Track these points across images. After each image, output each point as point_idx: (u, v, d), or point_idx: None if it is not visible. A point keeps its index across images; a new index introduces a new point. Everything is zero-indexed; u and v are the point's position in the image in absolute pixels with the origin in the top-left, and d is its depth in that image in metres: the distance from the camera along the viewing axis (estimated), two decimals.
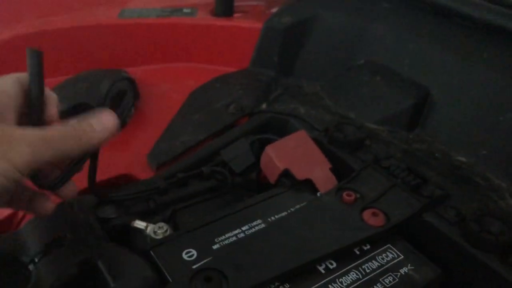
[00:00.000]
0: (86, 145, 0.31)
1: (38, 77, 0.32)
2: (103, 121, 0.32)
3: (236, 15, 0.68)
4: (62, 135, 0.30)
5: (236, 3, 0.68)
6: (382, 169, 0.46)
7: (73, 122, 0.31)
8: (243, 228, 0.41)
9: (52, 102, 0.34)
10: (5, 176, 0.27)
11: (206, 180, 0.49)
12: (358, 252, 0.39)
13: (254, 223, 0.42)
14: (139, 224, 0.41)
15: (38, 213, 0.36)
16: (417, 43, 0.56)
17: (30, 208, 0.35)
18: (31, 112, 0.33)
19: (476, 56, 0.52)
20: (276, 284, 0.36)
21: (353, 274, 0.37)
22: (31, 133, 0.29)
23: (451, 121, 0.52)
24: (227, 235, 0.40)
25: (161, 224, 0.41)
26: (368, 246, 0.40)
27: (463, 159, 0.49)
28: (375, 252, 0.39)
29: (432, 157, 0.50)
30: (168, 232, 0.41)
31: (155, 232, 0.40)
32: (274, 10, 0.68)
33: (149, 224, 0.41)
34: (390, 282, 0.37)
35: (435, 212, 0.42)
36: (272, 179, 0.48)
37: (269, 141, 0.50)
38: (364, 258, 0.39)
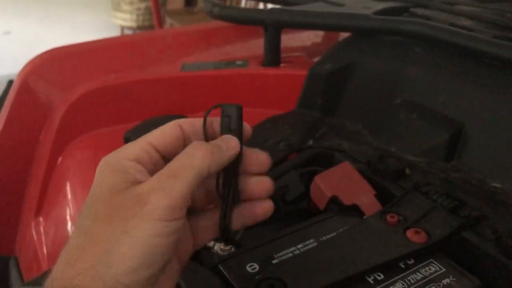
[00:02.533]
0: (225, 158, 0.34)
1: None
2: (234, 142, 0.35)
3: (282, 65, 0.76)
4: (216, 148, 0.34)
5: (282, 55, 0.77)
6: (422, 194, 0.51)
7: (217, 142, 0.35)
8: (298, 246, 0.46)
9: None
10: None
11: None
12: (403, 266, 0.43)
13: (308, 242, 0.47)
14: (208, 243, 0.47)
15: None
16: (449, 82, 0.61)
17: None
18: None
19: (505, 91, 0.57)
20: None
21: (399, 284, 0.41)
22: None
23: (485, 152, 0.57)
24: (284, 252, 0.45)
25: None
26: (412, 261, 0.44)
27: (498, 185, 0.53)
28: (419, 266, 0.43)
29: (469, 184, 0.54)
30: (232, 250, 0.46)
31: (221, 249, 0.46)
32: (316, 59, 0.75)
33: (216, 243, 0.47)
34: None
35: (473, 230, 0.46)
36: (321, 205, 0.53)
37: (316, 173, 0.55)
38: (409, 271, 0.43)
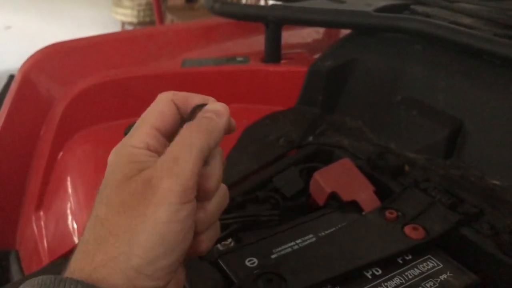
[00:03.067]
0: (220, 128, 0.33)
1: None
2: (219, 106, 0.34)
3: (283, 61, 0.76)
4: (207, 120, 0.32)
5: (282, 51, 0.77)
6: (421, 191, 0.51)
7: (204, 114, 0.33)
8: (297, 241, 0.46)
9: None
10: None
11: (261, 204, 0.55)
12: (401, 262, 0.44)
13: (307, 237, 0.47)
14: None
15: None
16: (449, 80, 0.62)
17: None
18: None
19: (504, 89, 0.57)
20: (329, 286, 0.41)
21: (397, 279, 0.42)
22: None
23: (484, 149, 0.57)
24: (283, 247, 0.46)
25: None
26: (410, 256, 0.44)
27: (497, 182, 0.54)
28: (417, 261, 0.44)
29: (468, 181, 0.54)
30: (232, 245, 0.47)
31: (221, 244, 0.47)
32: (316, 56, 0.75)
33: None
34: (431, 286, 0.41)
35: (471, 226, 0.46)
36: (321, 201, 0.53)
37: (316, 169, 0.56)
38: (407, 266, 0.43)
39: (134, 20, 3.45)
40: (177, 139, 0.32)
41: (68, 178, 0.73)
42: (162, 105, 0.34)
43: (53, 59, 0.82)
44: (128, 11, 3.44)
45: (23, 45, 2.19)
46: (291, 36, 0.88)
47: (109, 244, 0.29)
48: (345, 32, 0.81)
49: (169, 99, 0.34)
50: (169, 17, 3.15)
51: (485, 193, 0.52)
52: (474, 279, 0.42)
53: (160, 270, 0.29)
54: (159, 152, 0.32)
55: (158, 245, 0.29)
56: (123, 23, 3.57)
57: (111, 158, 0.32)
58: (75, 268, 0.29)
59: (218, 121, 0.33)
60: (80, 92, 0.75)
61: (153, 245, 0.28)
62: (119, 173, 0.31)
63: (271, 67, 0.74)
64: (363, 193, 0.52)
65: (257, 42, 0.81)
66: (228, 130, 0.35)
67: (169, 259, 0.29)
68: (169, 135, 0.34)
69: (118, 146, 0.33)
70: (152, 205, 0.29)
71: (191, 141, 0.31)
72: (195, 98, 0.35)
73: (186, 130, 0.32)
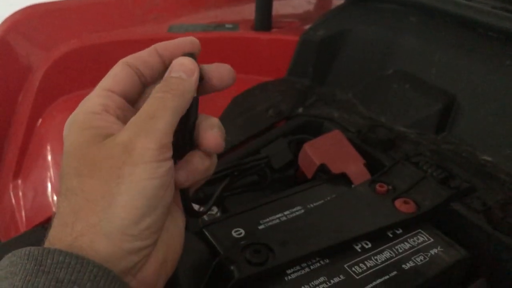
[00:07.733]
0: (192, 84, 0.31)
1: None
2: (183, 68, 0.32)
3: (273, 30, 0.74)
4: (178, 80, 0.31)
5: (273, 21, 0.74)
6: (412, 165, 0.50)
7: (173, 74, 0.32)
8: (285, 213, 0.45)
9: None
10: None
11: (249, 175, 0.54)
12: (391, 235, 0.43)
13: (295, 209, 0.46)
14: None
15: None
16: (443, 53, 0.60)
17: None
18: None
19: (499, 64, 0.56)
20: (317, 259, 0.40)
21: (386, 253, 0.41)
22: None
23: (476, 124, 0.56)
24: (270, 218, 0.44)
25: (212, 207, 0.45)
26: (400, 230, 0.43)
27: (488, 158, 0.53)
28: (407, 236, 0.43)
29: (459, 156, 0.53)
30: (217, 215, 0.45)
31: (206, 214, 0.45)
32: (307, 26, 0.73)
33: (201, 207, 0.45)
34: (421, 260, 0.40)
35: (462, 201, 0.45)
36: (309, 174, 0.52)
37: (305, 141, 0.54)
38: (397, 240, 0.42)
39: None
40: (150, 99, 0.30)
41: (48, 146, 0.71)
42: (115, 69, 0.33)
43: (33, 21, 0.78)
44: None
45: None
46: (282, 6, 0.85)
47: (88, 212, 0.28)
48: (336, 3, 0.78)
49: (123, 62, 0.33)
50: None
51: (477, 168, 0.51)
52: (464, 254, 0.41)
53: (145, 229, 0.28)
54: (116, 113, 0.31)
55: (141, 204, 0.28)
56: None
57: (65, 129, 0.31)
58: (54, 241, 0.27)
59: (189, 81, 0.32)
60: (61, 56, 0.72)
61: (136, 204, 0.28)
62: (79, 142, 0.29)
63: (262, 35, 0.72)
64: (353, 166, 0.51)
65: (248, 10, 0.78)
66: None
67: (153, 216, 0.29)
68: (130, 96, 0.33)
69: (73, 113, 0.31)
70: (128, 165, 0.28)
71: (164, 102, 0.30)
72: (145, 52, 0.33)
73: (159, 90, 0.31)
